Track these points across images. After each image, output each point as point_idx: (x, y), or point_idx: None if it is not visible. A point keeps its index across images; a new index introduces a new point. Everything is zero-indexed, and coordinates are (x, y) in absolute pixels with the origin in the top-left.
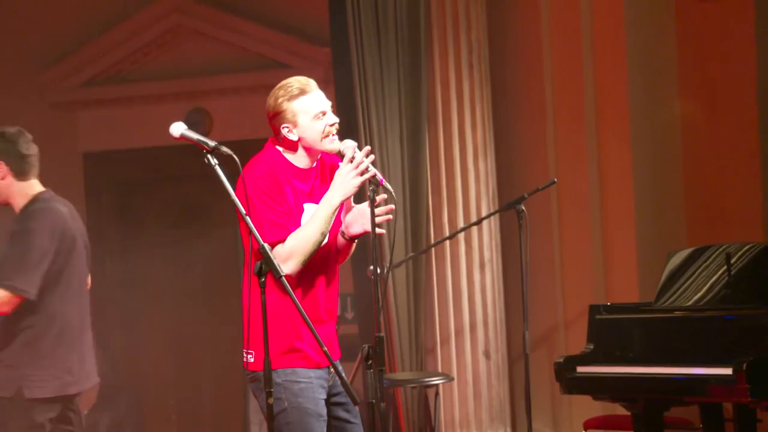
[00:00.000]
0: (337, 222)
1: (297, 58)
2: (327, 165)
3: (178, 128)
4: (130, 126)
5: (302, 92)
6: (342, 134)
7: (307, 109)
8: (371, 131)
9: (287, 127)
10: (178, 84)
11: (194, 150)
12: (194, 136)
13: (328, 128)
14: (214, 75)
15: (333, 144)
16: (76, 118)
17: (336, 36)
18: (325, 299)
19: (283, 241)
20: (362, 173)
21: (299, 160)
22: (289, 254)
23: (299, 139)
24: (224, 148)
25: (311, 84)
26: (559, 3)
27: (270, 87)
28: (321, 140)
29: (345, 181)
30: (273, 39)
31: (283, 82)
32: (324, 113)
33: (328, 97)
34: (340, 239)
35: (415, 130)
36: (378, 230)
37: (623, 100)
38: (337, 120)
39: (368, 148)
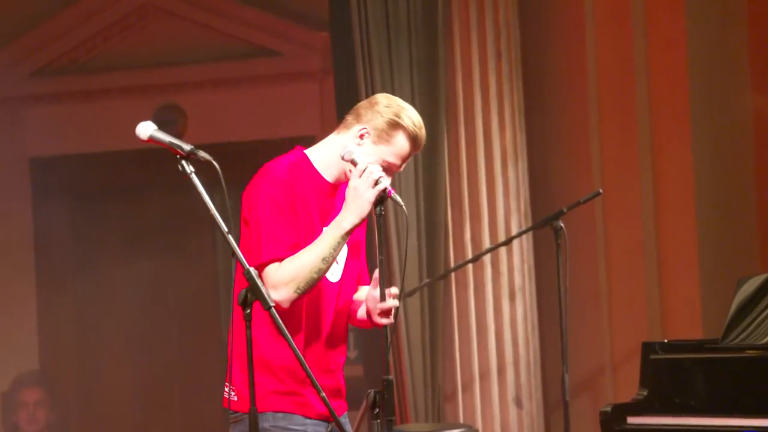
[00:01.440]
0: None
1: (289, 44)
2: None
3: (146, 129)
4: (88, 126)
5: (412, 139)
6: None
7: (393, 151)
8: None
9: (368, 132)
10: (146, 75)
11: (166, 155)
12: (165, 138)
13: (377, 175)
14: (189, 64)
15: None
16: (22, 115)
17: (336, 18)
18: (334, 343)
19: (280, 260)
20: (374, 184)
21: (329, 170)
22: (282, 280)
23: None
24: (202, 153)
25: (421, 139)
26: None
27: (257, 79)
28: (360, 176)
29: (357, 198)
30: (260, 21)
31: (416, 113)
32: (389, 169)
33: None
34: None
35: (432, 131)
36: (384, 320)
37: (683, 95)
38: (386, 185)
39: (371, 158)
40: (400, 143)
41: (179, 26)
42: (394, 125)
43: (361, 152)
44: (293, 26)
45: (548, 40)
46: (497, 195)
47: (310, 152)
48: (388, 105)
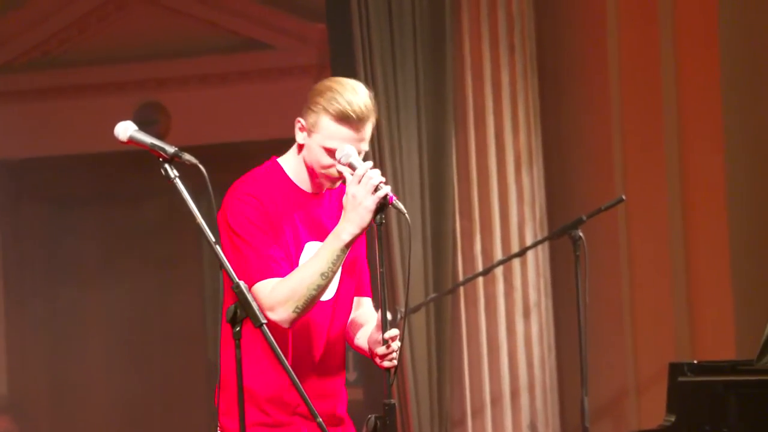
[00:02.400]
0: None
1: (282, 36)
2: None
3: (125, 129)
4: (61, 126)
5: (342, 118)
6: None
7: (329, 136)
8: (380, 134)
9: (301, 124)
10: (125, 70)
11: (147, 158)
12: (147, 139)
13: (330, 171)
14: (173, 59)
15: (328, 185)
16: None
17: (333, 8)
18: (328, 367)
19: (271, 277)
20: (374, 190)
21: (301, 177)
22: (278, 299)
23: (300, 148)
24: (187, 156)
25: (361, 116)
26: None
27: (246, 74)
28: (319, 170)
29: (356, 206)
30: (251, 11)
31: (343, 84)
32: (332, 154)
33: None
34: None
35: (438, 133)
36: (386, 363)
37: (714, 92)
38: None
39: (370, 163)
40: (333, 131)
41: (161, 17)
42: (326, 111)
43: (357, 155)
44: (286, 17)
45: (566, 32)
46: (510, 202)
47: (282, 160)
48: (319, 92)
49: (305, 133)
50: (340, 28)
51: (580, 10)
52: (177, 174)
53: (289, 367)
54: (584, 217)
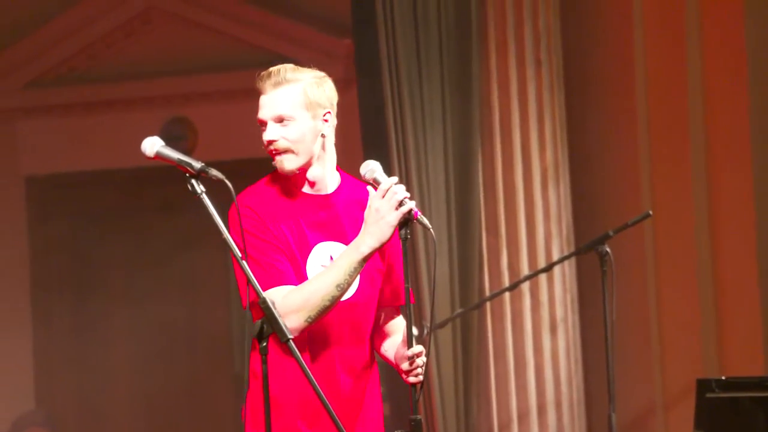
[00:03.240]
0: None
1: (308, 51)
2: (355, 199)
3: (152, 145)
4: (88, 141)
5: (258, 90)
6: (368, 152)
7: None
8: (406, 148)
9: None
10: (152, 86)
11: (174, 173)
12: (174, 155)
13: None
14: (199, 74)
15: (278, 165)
16: (16, 130)
17: (359, 24)
18: (352, 368)
19: (281, 285)
20: (398, 206)
21: (305, 184)
22: (291, 308)
23: None
24: (213, 171)
25: (270, 81)
26: None
27: None
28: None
29: (378, 220)
30: (276, 27)
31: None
32: (262, 123)
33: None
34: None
35: (464, 148)
36: (411, 378)
37: (742, 105)
38: (271, 137)
39: (395, 178)
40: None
41: (188, 32)
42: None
43: (381, 169)
44: (313, 32)
45: (593, 47)
46: (537, 218)
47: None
48: None
49: None
50: (366, 43)
51: (607, 25)
52: (203, 189)
53: (315, 382)
54: (611, 233)
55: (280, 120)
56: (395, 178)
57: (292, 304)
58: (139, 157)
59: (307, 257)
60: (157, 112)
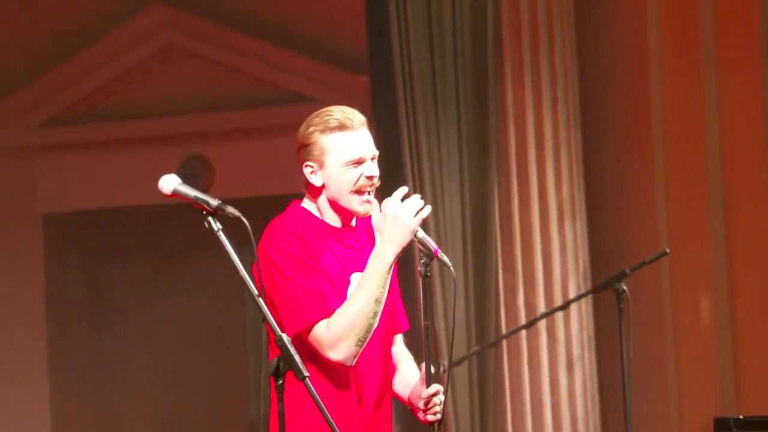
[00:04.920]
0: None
1: (325, 89)
2: (369, 227)
3: (169, 182)
4: (106, 179)
5: (341, 126)
6: (384, 189)
7: (341, 150)
8: (422, 184)
9: (311, 167)
10: (169, 124)
11: (191, 210)
12: (191, 192)
13: (363, 181)
14: (217, 112)
15: (363, 207)
16: (34, 167)
17: (376, 61)
18: (381, 400)
19: (327, 316)
20: (417, 212)
21: (332, 217)
22: (339, 336)
23: (323, 187)
24: (230, 209)
25: (357, 119)
26: (672, 13)
27: (290, 127)
28: (349, 194)
29: (397, 225)
30: (294, 65)
31: (325, 108)
32: (361, 161)
33: None
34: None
35: (481, 185)
36: (430, 416)
37: (759, 144)
38: (376, 174)
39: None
40: (342, 143)
41: (205, 70)
42: (323, 134)
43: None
44: (329, 70)
45: (610, 84)
46: (553, 255)
47: (303, 204)
48: (305, 128)
49: (319, 171)
50: (382, 80)
51: (624, 64)
52: (220, 227)
53: (332, 420)
54: (628, 270)
55: (374, 158)
56: (406, 188)
57: (339, 331)
58: (156, 195)
59: (346, 288)
60: (174, 149)
